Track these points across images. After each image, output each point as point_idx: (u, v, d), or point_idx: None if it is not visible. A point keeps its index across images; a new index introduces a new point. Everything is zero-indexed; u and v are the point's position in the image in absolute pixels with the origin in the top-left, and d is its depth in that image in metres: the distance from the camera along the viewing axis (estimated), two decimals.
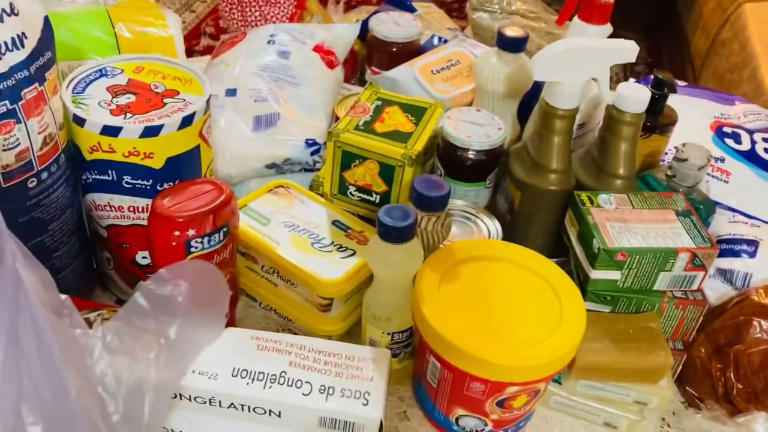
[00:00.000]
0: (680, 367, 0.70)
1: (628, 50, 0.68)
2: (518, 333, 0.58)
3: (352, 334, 0.72)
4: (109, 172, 0.64)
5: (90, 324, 0.53)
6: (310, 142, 0.80)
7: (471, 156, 0.76)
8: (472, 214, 0.75)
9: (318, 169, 0.82)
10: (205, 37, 2.16)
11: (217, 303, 0.42)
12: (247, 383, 0.58)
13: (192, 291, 0.39)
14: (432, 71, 0.88)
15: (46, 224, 0.63)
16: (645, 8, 2.94)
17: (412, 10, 1.12)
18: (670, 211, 0.69)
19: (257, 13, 0.97)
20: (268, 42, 0.87)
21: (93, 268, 0.74)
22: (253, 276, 0.72)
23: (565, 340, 0.58)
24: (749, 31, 1.89)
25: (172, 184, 0.65)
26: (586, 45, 0.69)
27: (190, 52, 1.71)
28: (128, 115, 0.63)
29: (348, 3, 1.16)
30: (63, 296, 0.42)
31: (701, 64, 2.20)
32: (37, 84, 0.57)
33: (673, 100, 0.93)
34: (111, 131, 0.61)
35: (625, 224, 0.66)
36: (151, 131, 0.62)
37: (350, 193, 0.74)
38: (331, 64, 0.90)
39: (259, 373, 0.58)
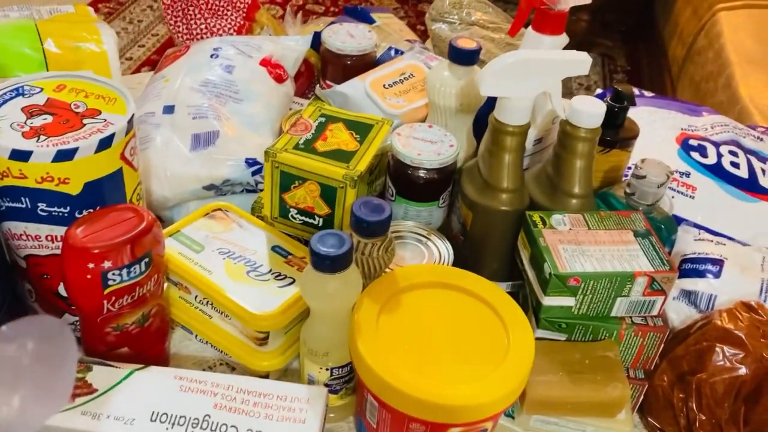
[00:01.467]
0: (641, 396, 0.66)
1: (581, 62, 0.64)
2: (461, 368, 0.54)
3: (293, 370, 0.67)
4: (22, 199, 0.59)
5: None
6: (250, 161, 0.75)
7: (422, 174, 0.72)
8: (423, 236, 0.71)
9: (261, 190, 0.78)
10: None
11: (67, 368, 0.37)
12: (167, 428, 0.53)
13: (39, 352, 0.34)
14: (384, 85, 0.84)
15: None
16: (623, 17, 2.92)
17: (370, 21, 1.09)
18: (627, 232, 0.65)
19: (203, 26, 0.93)
20: (212, 56, 0.83)
21: (16, 300, 0.69)
22: (186, 307, 0.68)
23: (512, 375, 0.54)
24: (724, 38, 1.87)
25: (91, 210, 0.60)
26: (536, 57, 0.65)
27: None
28: (41, 137, 0.58)
29: (306, 15, 1.12)
30: None
31: (678, 71, 2.18)
32: None
33: (639, 112, 0.90)
34: (20, 155, 0.57)
35: (579, 247, 0.62)
36: (64, 155, 0.57)
37: (291, 216, 0.70)
38: (279, 78, 0.86)
39: (180, 416, 0.54)
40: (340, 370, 0.61)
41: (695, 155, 0.85)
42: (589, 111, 0.66)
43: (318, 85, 0.95)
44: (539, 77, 0.65)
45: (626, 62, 2.75)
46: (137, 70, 2.33)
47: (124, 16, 2.70)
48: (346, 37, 0.92)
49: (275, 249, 0.68)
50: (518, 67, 0.63)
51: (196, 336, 0.69)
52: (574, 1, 0.72)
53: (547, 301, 0.61)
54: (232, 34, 0.94)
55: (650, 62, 2.63)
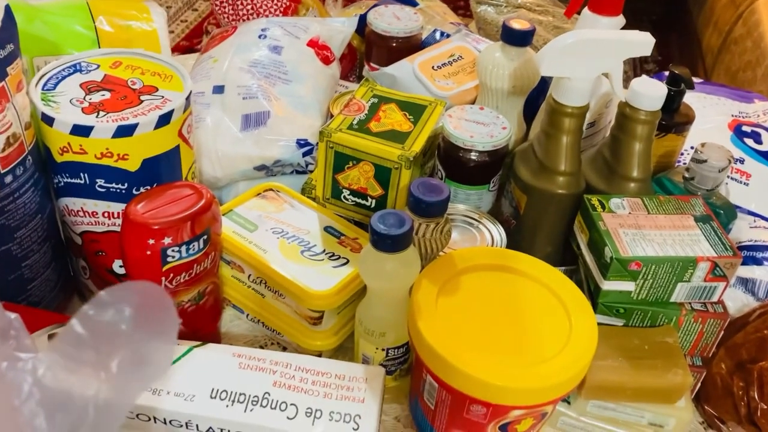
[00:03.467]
0: (699, 384, 0.65)
1: (643, 42, 0.63)
2: (523, 351, 0.53)
3: (345, 349, 0.67)
4: (81, 175, 0.59)
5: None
6: (301, 142, 0.75)
7: (473, 157, 0.71)
8: (474, 219, 0.70)
9: (311, 171, 0.77)
10: (206, 36, 2.13)
11: (166, 331, 0.37)
12: (227, 405, 0.53)
13: (138, 317, 0.34)
14: (433, 67, 0.83)
15: (13, 231, 0.58)
16: (654, 5, 2.88)
17: (414, 4, 1.08)
18: (688, 217, 0.63)
19: (249, 7, 0.92)
20: (260, 36, 0.83)
21: (70, 277, 0.70)
22: (239, 286, 0.68)
23: (575, 359, 0.53)
24: (763, 27, 1.83)
25: (149, 187, 0.60)
26: (597, 37, 0.63)
27: (191, 51, 1.67)
28: (101, 113, 0.58)
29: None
30: (12, 315, 0.37)
31: (713, 62, 2.14)
32: None
33: (688, 98, 0.88)
34: (81, 131, 0.57)
35: (639, 231, 0.61)
36: (124, 131, 0.57)
37: (344, 197, 0.69)
38: (326, 60, 0.85)
39: (240, 394, 0.54)
40: (396, 351, 0.60)
41: (749, 141, 0.83)
42: (650, 93, 0.64)
43: (362, 68, 0.94)
44: (600, 58, 0.63)
45: (657, 52, 2.71)
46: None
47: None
48: (392, 18, 0.91)
49: (327, 229, 0.68)
50: (580, 46, 0.62)
51: (247, 315, 0.69)
52: None
53: (607, 285, 0.60)
54: (278, 15, 0.93)
55: (682, 52, 2.59)
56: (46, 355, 0.34)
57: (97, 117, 0.58)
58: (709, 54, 2.21)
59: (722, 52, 2.10)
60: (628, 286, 0.60)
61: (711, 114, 0.88)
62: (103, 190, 0.60)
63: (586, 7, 0.72)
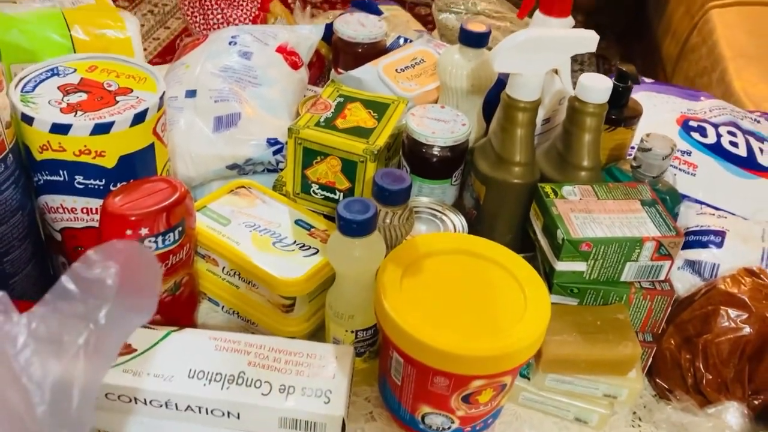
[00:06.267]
0: (650, 359, 0.69)
1: (588, 38, 0.68)
2: (482, 325, 0.57)
3: (317, 336, 0.70)
4: (61, 172, 0.62)
5: None
6: (272, 141, 0.79)
7: (436, 152, 0.75)
8: (438, 211, 0.74)
9: (281, 170, 0.81)
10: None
11: (149, 285, 0.40)
12: (204, 384, 0.56)
13: (122, 273, 0.37)
14: (396, 70, 0.88)
15: None
16: (617, 18, 2.97)
17: (378, 13, 1.12)
18: (635, 201, 0.68)
19: (219, 16, 0.96)
20: (230, 43, 0.86)
21: (50, 275, 0.72)
22: (214, 279, 0.71)
23: (530, 330, 0.57)
24: (717, 35, 1.91)
25: (125, 183, 0.63)
26: (545, 35, 0.68)
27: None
28: (79, 113, 0.61)
29: (315, 8, 1.15)
30: (0, 292, 0.40)
31: (672, 69, 2.22)
32: None
33: (639, 97, 0.93)
34: (60, 129, 0.60)
35: (589, 215, 0.66)
36: (101, 128, 0.60)
37: (313, 191, 0.73)
38: (294, 65, 0.89)
39: (217, 374, 0.57)
40: (365, 332, 0.64)
41: (695, 135, 0.88)
42: (597, 86, 0.69)
43: (332, 72, 0.98)
44: (549, 54, 0.68)
45: (621, 62, 2.80)
46: None
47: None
48: (357, 26, 0.95)
49: (298, 222, 0.71)
50: (529, 44, 0.66)
51: (223, 307, 0.72)
52: None
53: (560, 266, 0.64)
54: (247, 24, 0.97)
55: (644, 61, 2.68)
56: (39, 308, 0.37)
57: (75, 116, 0.61)
58: (668, 62, 2.29)
59: (680, 59, 2.18)
60: (580, 266, 0.64)
61: (661, 111, 0.93)
62: (81, 186, 0.63)
63: (538, 10, 0.77)
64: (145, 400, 0.55)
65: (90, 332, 0.36)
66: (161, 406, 0.56)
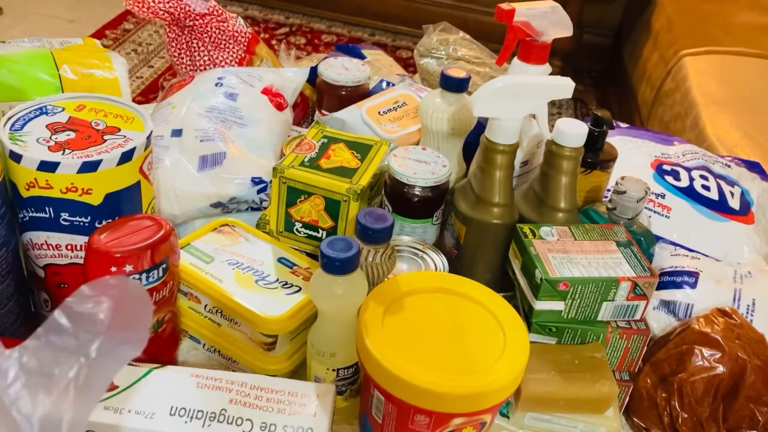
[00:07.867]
0: (627, 398, 0.70)
1: (564, 86, 0.70)
2: (462, 363, 0.58)
3: (298, 375, 0.70)
4: (47, 209, 0.63)
5: None
6: (256, 180, 0.80)
7: (417, 192, 0.77)
8: (419, 250, 0.76)
9: (265, 208, 0.82)
10: (162, 91, 2.19)
11: (140, 319, 0.41)
12: (186, 422, 0.56)
13: (114, 308, 0.38)
14: (379, 112, 0.90)
15: None
16: (594, 63, 3.06)
17: (361, 57, 1.15)
18: (611, 242, 0.70)
19: (206, 58, 0.98)
20: (216, 84, 0.88)
21: (31, 312, 0.72)
22: (196, 317, 0.71)
23: (509, 368, 0.58)
24: (690, 82, 1.97)
25: (111, 220, 0.64)
26: (523, 81, 0.71)
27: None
28: (66, 151, 0.62)
29: (299, 49, 1.18)
30: None
31: (648, 113, 2.28)
32: None
33: (615, 141, 0.96)
34: (48, 167, 0.61)
35: (566, 255, 0.67)
36: (89, 166, 0.61)
37: (297, 229, 0.74)
38: (279, 107, 0.91)
39: (198, 411, 0.57)
40: (346, 371, 0.64)
41: (669, 179, 0.91)
42: (573, 131, 0.71)
43: (316, 114, 1.00)
44: (527, 100, 0.70)
45: (597, 106, 2.86)
46: None
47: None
48: (341, 69, 0.97)
49: (281, 260, 0.72)
50: (507, 90, 0.69)
51: (204, 345, 0.72)
52: (556, 34, 0.78)
53: (539, 305, 0.66)
54: (233, 66, 0.99)
55: (621, 105, 2.74)
56: (30, 342, 0.37)
57: (63, 154, 0.62)
58: (644, 107, 2.35)
59: (655, 104, 2.24)
60: (558, 305, 0.66)
61: (636, 155, 0.96)
62: (67, 223, 0.63)
63: (516, 56, 0.80)
64: None
65: (81, 365, 0.36)
66: None
